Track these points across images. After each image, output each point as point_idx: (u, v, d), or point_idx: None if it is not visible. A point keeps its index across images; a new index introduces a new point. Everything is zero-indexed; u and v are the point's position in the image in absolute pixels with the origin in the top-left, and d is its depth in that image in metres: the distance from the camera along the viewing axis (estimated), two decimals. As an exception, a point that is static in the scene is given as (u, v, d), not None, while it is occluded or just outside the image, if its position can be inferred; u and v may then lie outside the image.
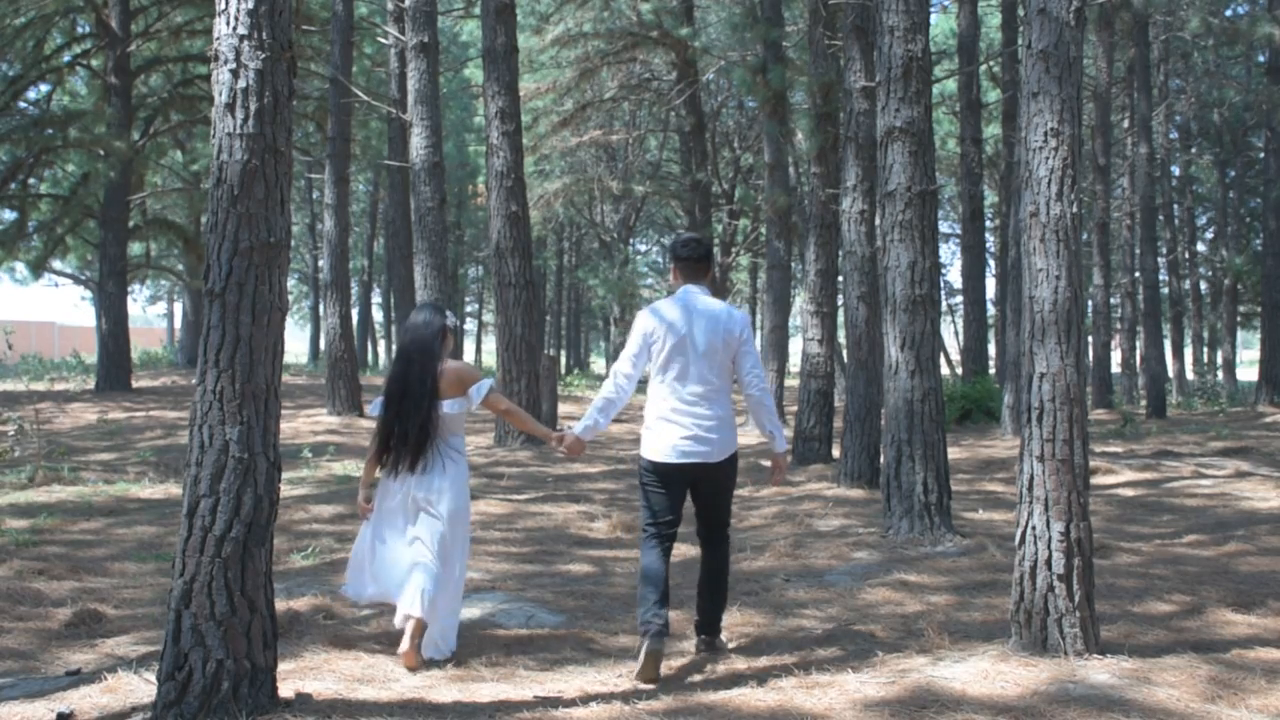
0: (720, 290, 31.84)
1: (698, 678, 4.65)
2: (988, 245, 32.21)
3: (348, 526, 8.19)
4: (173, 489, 9.98)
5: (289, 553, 7.20)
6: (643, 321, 5.12)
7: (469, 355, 57.73)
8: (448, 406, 5.06)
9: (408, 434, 4.98)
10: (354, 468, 11.40)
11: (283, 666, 4.52)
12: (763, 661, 4.90)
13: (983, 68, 23.51)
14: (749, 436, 16.62)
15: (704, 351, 5.00)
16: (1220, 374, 32.39)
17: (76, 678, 4.58)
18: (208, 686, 3.90)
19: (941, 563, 6.82)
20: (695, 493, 5.08)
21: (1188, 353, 37.18)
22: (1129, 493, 10.27)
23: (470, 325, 60.56)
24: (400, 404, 5.01)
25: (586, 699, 4.30)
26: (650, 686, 4.54)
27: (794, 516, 8.82)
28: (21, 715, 4.10)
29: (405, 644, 4.77)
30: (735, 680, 4.58)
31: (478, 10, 20.65)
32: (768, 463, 12.80)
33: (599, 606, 5.94)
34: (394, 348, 5.43)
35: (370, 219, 42.69)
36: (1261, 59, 25.78)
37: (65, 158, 22.56)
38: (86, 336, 45.24)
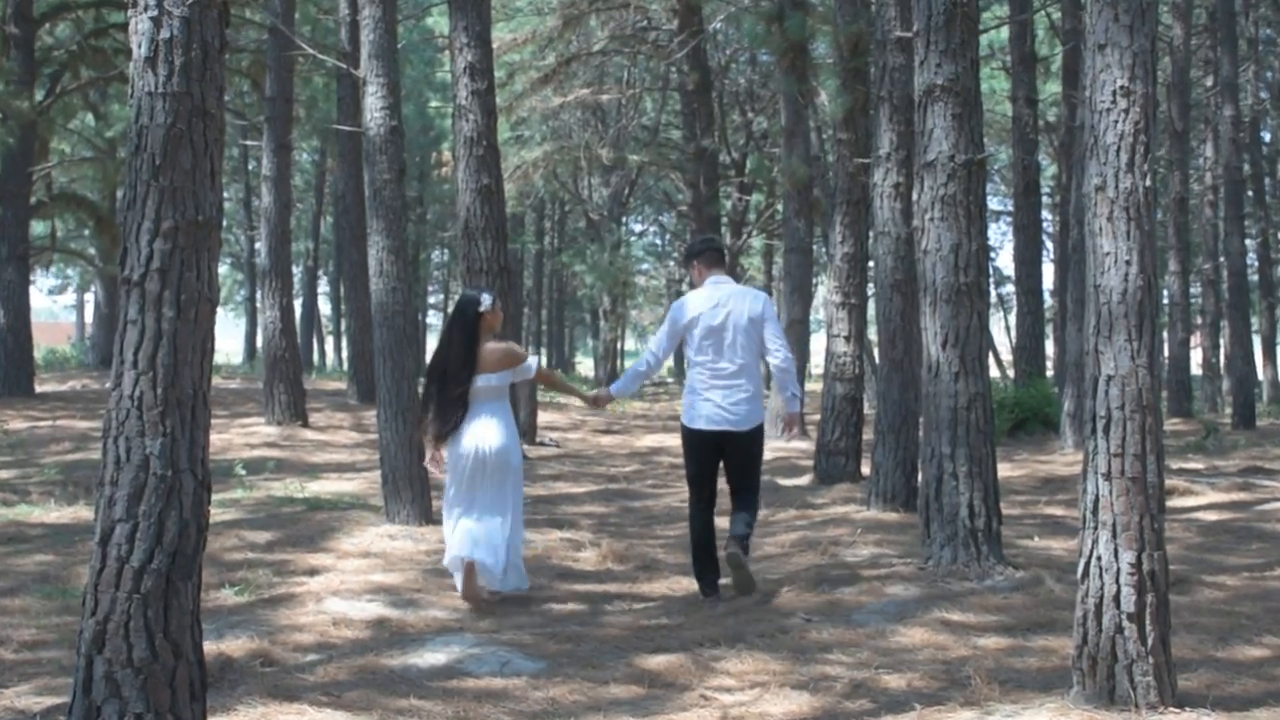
0: (731, 277, 31.83)
1: (703, 735, 4.66)
2: (1045, 225, 32.25)
3: (288, 556, 8.19)
4: (83, 512, 9.97)
5: (220, 587, 7.19)
6: (677, 309, 7.12)
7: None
8: (497, 379, 7.06)
9: (450, 404, 6.99)
10: (296, 487, 11.39)
11: (213, 722, 4.51)
12: (779, 716, 4.90)
13: (1039, 15, 23.55)
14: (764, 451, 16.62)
15: (734, 333, 6.95)
16: (1319, 376, 32.45)
17: (-31, 736, 4.57)
18: (124, 746, 3.89)
19: (990, 599, 6.83)
20: (726, 457, 7.05)
21: (1280, 351, 37.24)
22: (1212, 516, 10.28)
23: (434, 319, 60.57)
24: (442, 379, 7.02)
25: (572, 760, 4.30)
26: None
27: (817, 544, 8.83)
28: (-97, 780, 4.09)
29: (461, 585, 6.93)
30: (747, 738, 4.58)
31: (443, -53, 20.66)
32: (780, 480, 12.82)
33: (586, 652, 5.94)
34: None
35: (316, 193, 42.65)
36: (1367, 5, 25.87)
37: (-45, 121, 22.52)
38: (-20, 332, 45.10)
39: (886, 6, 10.99)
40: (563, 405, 24.52)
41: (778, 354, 7.03)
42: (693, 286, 7.39)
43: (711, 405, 6.96)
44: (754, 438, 7.06)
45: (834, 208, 13.49)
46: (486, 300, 7.09)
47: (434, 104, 34.96)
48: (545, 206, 42.34)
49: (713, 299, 7.07)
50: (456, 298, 7.42)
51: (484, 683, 5.41)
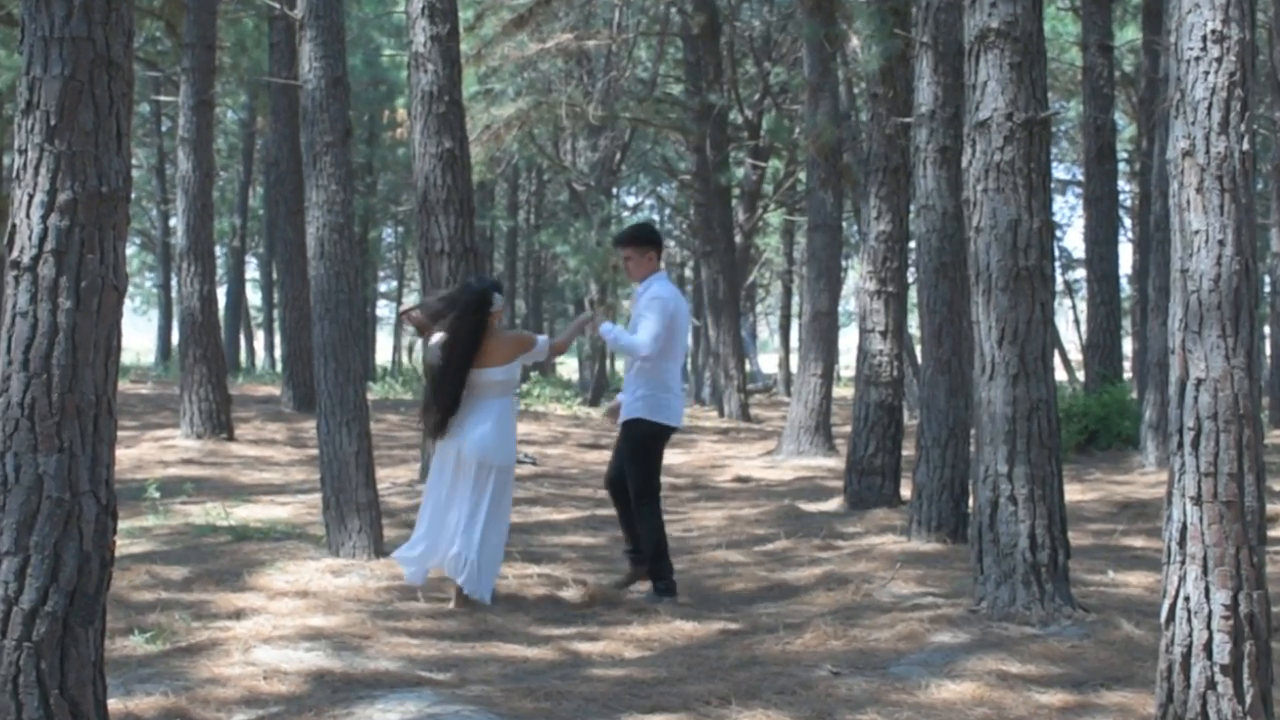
0: (744, 261, 31.91)
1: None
2: (1121, 197, 32.29)
3: (209, 595, 8.19)
4: (-38, 543, 9.96)
5: (128, 633, 7.18)
6: (676, 304, 8.43)
7: (385, 350, 57.62)
8: (503, 373, 8.08)
9: (443, 400, 7.97)
10: (220, 513, 11.38)
11: (119, 796, 4.51)
12: (803, 788, 4.90)
13: (1114, -55, 23.57)
14: (782, 470, 16.62)
15: (686, 329, 8.77)
16: None
17: None
18: (12, 825, 3.89)
19: (1055, 646, 6.84)
20: None
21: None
22: (1321, 548, 10.29)
23: (385, 310, 60.51)
24: (443, 372, 7.98)
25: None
26: None
27: (846, 580, 8.84)
28: None
29: (453, 601, 7.97)
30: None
31: None
32: (803, 504, 12.82)
33: (568, 711, 5.94)
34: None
35: (244, 159, 42.61)
36: None
37: None
38: None
39: (931, -66, 10.99)
40: (541, 415, 24.55)
41: None
42: (632, 274, 8.70)
43: (681, 401, 8.72)
44: None
45: (867, 177, 13.49)
46: (499, 300, 8.16)
47: (386, 52, 34.95)
48: (520, 175, 42.33)
49: (677, 295, 8.61)
50: (466, 283, 8.47)
51: (446, 748, 5.41)
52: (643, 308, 8.43)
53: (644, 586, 8.67)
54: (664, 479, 15.59)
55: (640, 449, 8.55)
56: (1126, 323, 29.55)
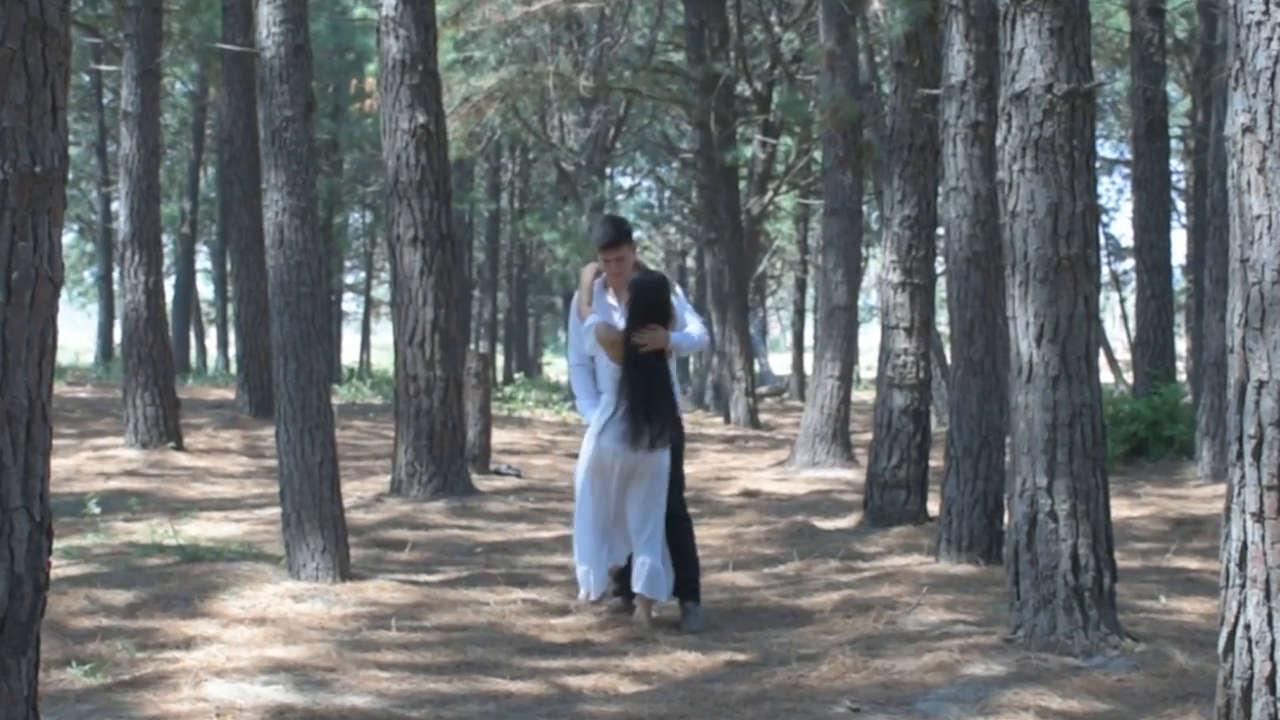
0: (752, 249, 31.93)
1: None
2: (1174, 178, 32.31)
3: (156, 623, 8.18)
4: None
5: (65, 664, 7.18)
6: None
7: (352, 349, 57.59)
8: None
9: (643, 404, 8.27)
10: (167, 531, 11.38)
11: (55, 847, 4.51)
12: (818, 838, 4.91)
13: (1166, -103, 23.58)
14: (795, 483, 16.62)
15: None
16: None
17: None
18: None
19: (1101, 679, 6.85)
20: None
21: None
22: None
23: (352, 304, 60.44)
24: (637, 371, 8.32)
25: None
26: None
27: (868, 606, 8.84)
28: None
29: (641, 615, 8.50)
30: None
31: None
32: (818, 521, 12.83)
33: (558, 751, 5.95)
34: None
35: (194, 136, 42.60)
36: None
37: None
38: None
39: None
40: (527, 422, 24.55)
41: None
42: (620, 274, 8.69)
43: None
44: None
45: (890, 155, 13.49)
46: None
47: (354, 15, 34.93)
48: (502, 153, 42.34)
49: None
50: (635, 281, 8.54)
51: (420, 794, 5.41)
52: (680, 308, 8.76)
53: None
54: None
55: (683, 449, 8.95)
56: (1180, 318, 29.57)
